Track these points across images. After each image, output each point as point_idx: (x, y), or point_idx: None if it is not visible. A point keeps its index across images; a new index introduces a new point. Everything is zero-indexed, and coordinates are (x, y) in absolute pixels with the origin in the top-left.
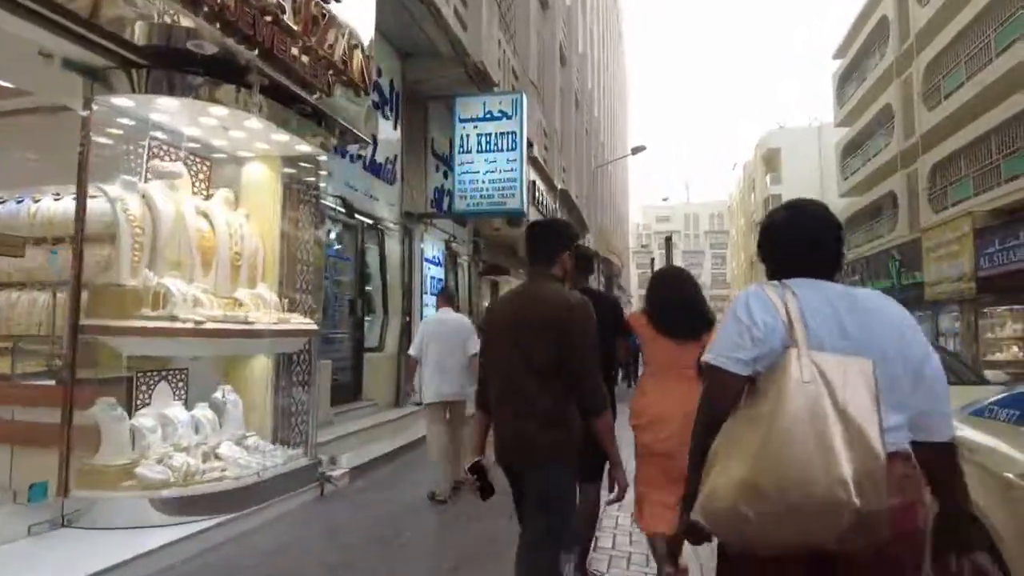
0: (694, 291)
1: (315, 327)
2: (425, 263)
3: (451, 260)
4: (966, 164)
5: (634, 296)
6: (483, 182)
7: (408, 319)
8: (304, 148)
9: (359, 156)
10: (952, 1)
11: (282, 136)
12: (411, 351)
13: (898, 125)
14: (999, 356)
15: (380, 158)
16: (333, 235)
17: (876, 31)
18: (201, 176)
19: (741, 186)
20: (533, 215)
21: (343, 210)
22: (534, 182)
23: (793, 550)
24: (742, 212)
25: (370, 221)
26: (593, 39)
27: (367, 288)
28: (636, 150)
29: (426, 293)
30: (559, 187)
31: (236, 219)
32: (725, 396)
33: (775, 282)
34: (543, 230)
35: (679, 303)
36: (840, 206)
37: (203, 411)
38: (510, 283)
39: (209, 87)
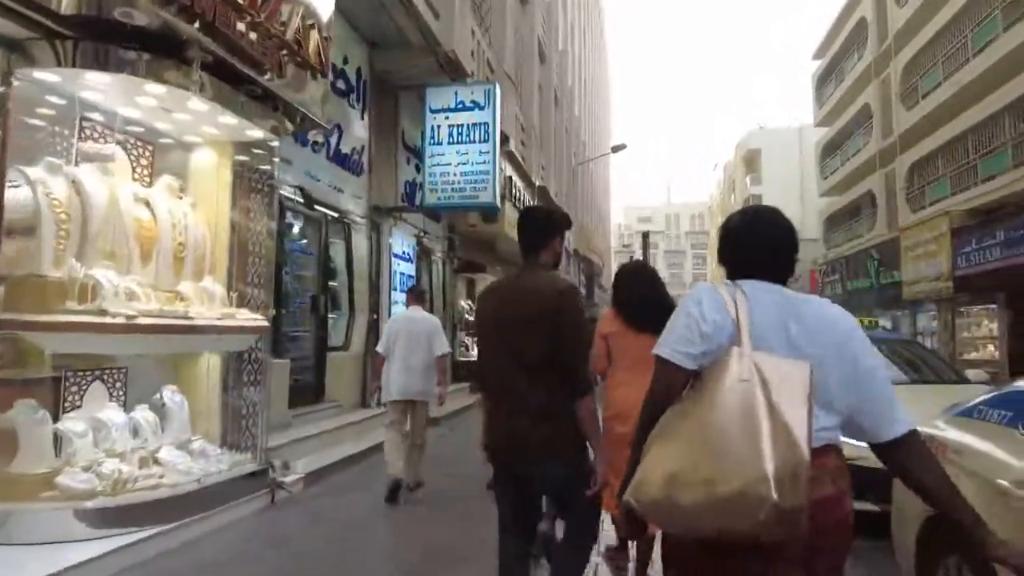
0: (660, 286)
1: (265, 323)
2: (394, 259)
3: (424, 256)
4: (943, 164)
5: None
6: (455, 175)
7: (375, 317)
8: (255, 133)
9: (320, 144)
10: (930, 1)
11: (230, 119)
12: (378, 348)
13: (876, 125)
14: (975, 355)
15: (346, 148)
16: (296, 228)
17: (855, 32)
18: (143, 161)
19: (722, 187)
20: (509, 212)
21: (301, 201)
22: (510, 177)
23: (721, 538)
24: (722, 213)
25: (334, 214)
26: (574, 35)
27: (331, 284)
28: (616, 148)
29: (395, 290)
30: (537, 184)
31: (180, 208)
32: (671, 388)
33: (727, 282)
34: (531, 214)
35: (650, 299)
36: (820, 206)
37: (143, 413)
38: (486, 280)
39: (145, 63)
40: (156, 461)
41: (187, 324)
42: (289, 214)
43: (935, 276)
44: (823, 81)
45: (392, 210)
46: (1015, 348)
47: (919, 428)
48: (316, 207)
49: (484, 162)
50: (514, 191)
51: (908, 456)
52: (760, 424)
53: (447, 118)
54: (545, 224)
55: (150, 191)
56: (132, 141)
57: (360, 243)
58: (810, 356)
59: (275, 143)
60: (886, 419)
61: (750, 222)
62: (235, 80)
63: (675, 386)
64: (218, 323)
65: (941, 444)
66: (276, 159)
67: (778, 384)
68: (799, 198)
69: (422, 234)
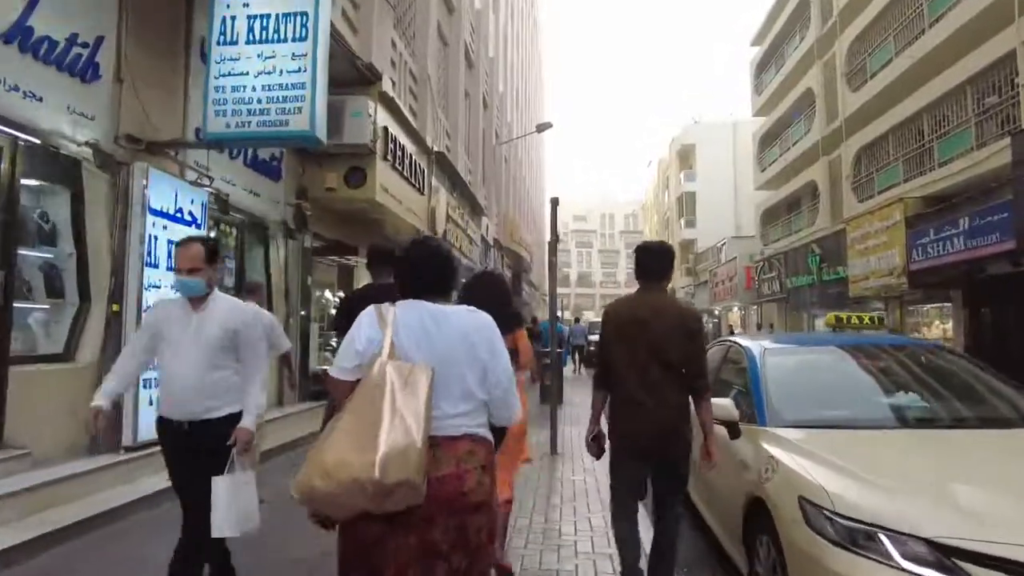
0: (508, 293)
1: None
2: (155, 219)
3: (251, 230)
4: (894, 148)
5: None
6: (253, 89)
7: (117, 308)
8: None
9: None
10: None
11: None
12: None
13: (820, 110)
14: None
15: (55, 34)
16: None
17: (796, 13)
18: None
19: (655, 183)
20: (389, 179)
21: None
22: (386, 128)
23: (364, 514)
24: (656, 210)
25: (34, 140)
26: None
27: (44, 256)
28: (541, 127)
29: (154, 266)
30: (435, 149)
31: None
32: (340, 394)
33: (386, 305)
34: (650, 248)
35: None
36: (757, 199)
37: None
38: (362, 262)
39: None
40: None
41: None
42: None
43: (887, 271)
44: (762, 68)
45: (160, 145)
46: (971, 350)
47: None
48: None
49: (299, 70)
50: (396, 149)
51: (499, 434)
52: (382, 418)
53: (246, 5)
54: (667, 258)
55: None
56: None
57: (97, 193)
58: (445, 355)
59: None
60: (507, 415)
61: (410, 251)
62: None
63: (341, 394)
64: None
65: None
66: None
67: (402, 385)
68: (733, 193)
69: (223, 194)
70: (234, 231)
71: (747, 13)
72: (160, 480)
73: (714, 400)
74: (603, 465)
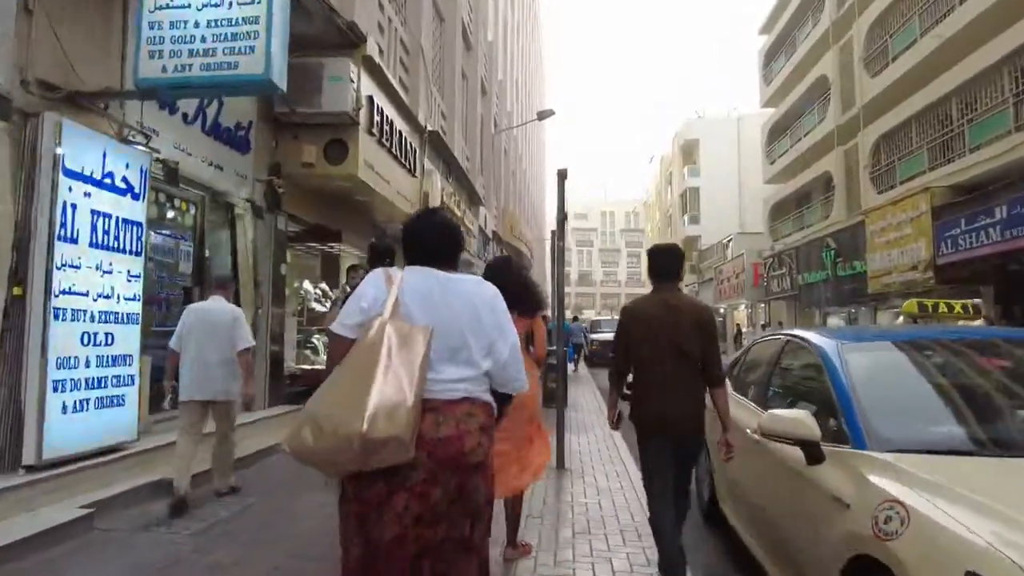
0: (529, 277)
1: None
2: (73, 182)
3: (214, 210)
4: (918, 135)
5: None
6: (196, 25)
7: (20, 291)
8: None
9: None
10: None
11: None
12: (171, 344)
13: (835, 97)
14: None
15: None
16: None
17: None
18: None
19: (657, 180)
20: (375, 155)
21: None
22: (371, 99)
23: (357, 468)
24: (658, 208)
25: None
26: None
27: None
28: (543, 114)
29: (72, 241)
30: (428, 128)
31: None
32: (338, 351)
33: (395, 268)
34: (661, 249)
35: (518, 286)
36: (765, 193)
37: None
38: (350, 253)
39: None
40: None
41: None
42: None
43: (911, 265)
44: (771, 57)
45: (83, 95)
46: None
47: None
48: None
49: (252, 1)
50: (380, 120)
51: (503, 403)
52: (376, 375)
53: None
54: (678, 259)
55: None
56: None
57: None
58: (449, 322)
59: None
60: (511, 377)
61: (418, 221)
62: None
63: (340, 350)
64: None
65: None
66: None
67: (400, 343)
68: (738, 189)
69: (172, 163)
70: (192, 209)
71: (750, 5)
72: (71, 507)
73: (784, 411)
74: (623, 483)
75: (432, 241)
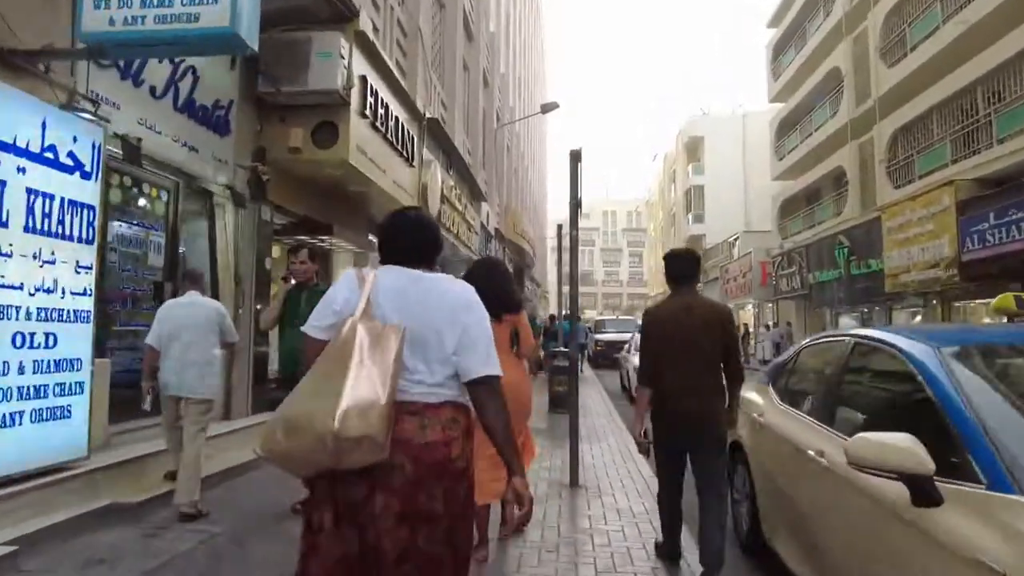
0: (508, 275)
1: None
2: (4, 155)
3: (189, 197)
4: (939, 126)
5: (551, 292)
6: None
7: None
8: None
9: None
10: None
11: None
12: (148, 339)
13: (848, 90)
14: None
15: None
16: None
17: None
18: None
19: (661, 179)
20: (368, 141)
21: None
22: (365, 79)
23: (331, 467)
24: (661, 206)
25: None
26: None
27: None
28: (547, 107)
29: (3, 225)
30: (427, 115)
31: None
32: (311, 353)
33: (367, 268)
34: (685, 258)
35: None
36: (773, 191)
37: None
38: (344, 248)
39: None
40: None
41: None
42: None
43: (932, 262)
44: (780, 50)
45: (17, 54)
46: None
47: None
48: None
49: None
50: (374, 102)
51: (483, 395)
52: (348, 374)
53: None
54: (694, 263)
55: None
56: None
57: None
58: (424, 321)
59: None
60: (478, 361)
61: (393, 220)
62: None
63: (313, 352)
64: None
65: None
66: None
67: (372, 343)
68: (743, 187)
69: (131, 137)
70: (164, 195)
71: (754, 1)
72: None
73: (880, 436)
74: (647, 503)
75: (408, 239)
